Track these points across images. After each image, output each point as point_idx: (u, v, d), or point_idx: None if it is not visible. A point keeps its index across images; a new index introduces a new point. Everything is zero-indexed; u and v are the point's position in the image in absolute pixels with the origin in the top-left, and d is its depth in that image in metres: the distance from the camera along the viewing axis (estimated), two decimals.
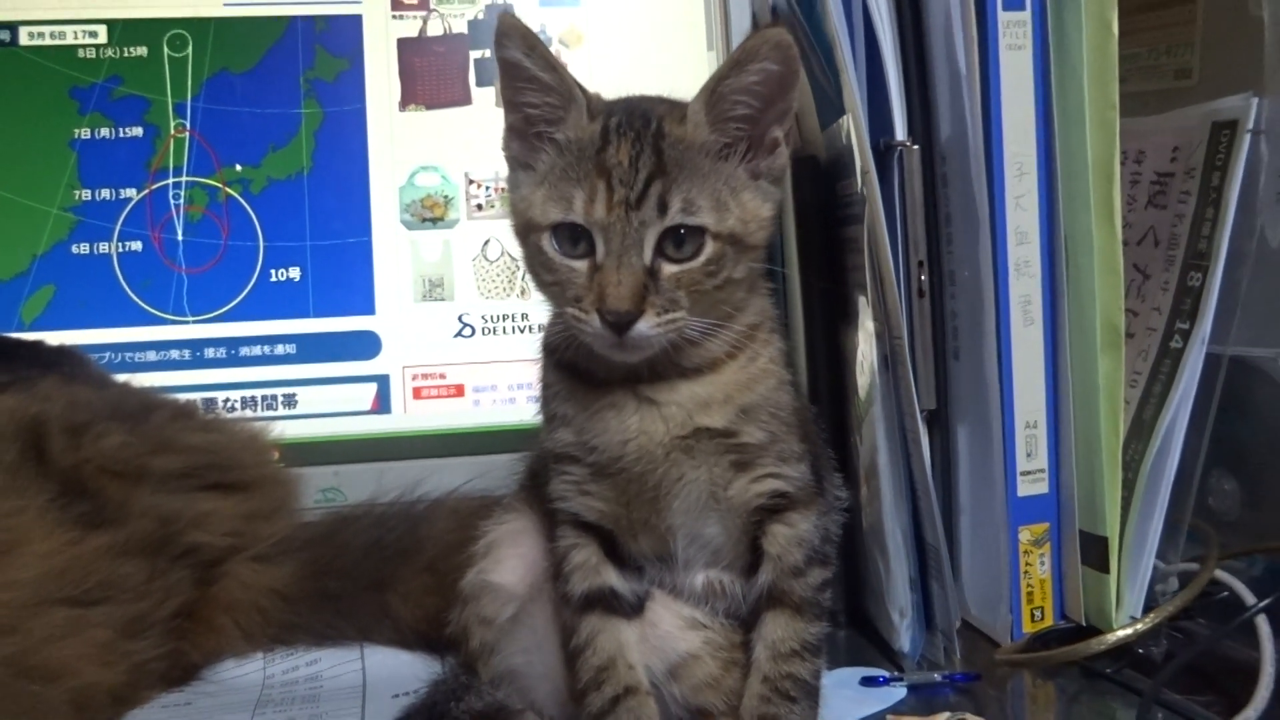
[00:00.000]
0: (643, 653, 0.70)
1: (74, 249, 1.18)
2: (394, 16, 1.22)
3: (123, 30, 1.19)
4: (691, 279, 0.64)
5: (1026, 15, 0.86)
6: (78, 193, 1.19)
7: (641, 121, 0.65)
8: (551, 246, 0.65)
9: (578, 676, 0.68)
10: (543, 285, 0.68)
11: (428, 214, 1.22)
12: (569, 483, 0.70)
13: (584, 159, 0.64)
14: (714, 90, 0.65)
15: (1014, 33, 0.86)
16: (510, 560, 0.74)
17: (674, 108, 0.66)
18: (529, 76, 0.66)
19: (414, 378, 1.22)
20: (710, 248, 0.64)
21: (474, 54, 1.22)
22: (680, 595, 0.71)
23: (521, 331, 1.21)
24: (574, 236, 0.64)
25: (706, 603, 0.71)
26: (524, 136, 0.68)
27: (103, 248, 1.19)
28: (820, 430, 0.74)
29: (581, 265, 0.64)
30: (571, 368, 0.69)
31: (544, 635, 0.72)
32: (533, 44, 0.65)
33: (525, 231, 0.67)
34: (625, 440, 0.67)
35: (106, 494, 0.87)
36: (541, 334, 0.73)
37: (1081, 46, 0.84)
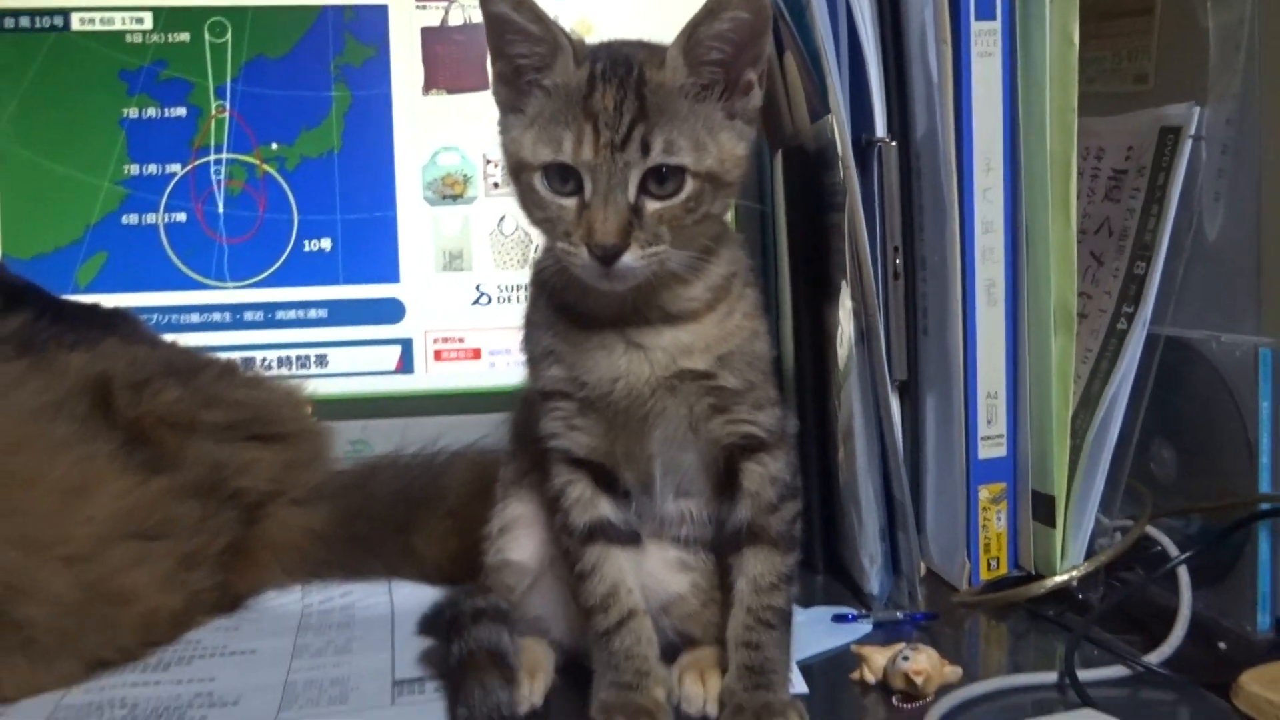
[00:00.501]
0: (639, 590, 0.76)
1: (124, 219, 1.23)
2: (418, 6, 1.26)
3: (167, 17, 1.23)
4: (673, 214, 0.67)
5: (996, 25, 0.91)
6: (127, 167, 1.23)
7: (624, 68, 0.67)
8: (542, 185, 0.68)
9: (582, 599, 0.74)
10: (535, 221, 0.71)
11: (448, 191, 1.26)
12: (559, 419, 0.74)
13: (571, 104, 0.67)
14: (690, 36, 0.67)
15: (984, 41, 0.91)
16: (522, 540, 0.80)
17: (653, 53, 0.69)
18: (518, 29, 0.68)
19: (435, 341, 1.26)
20: (690, 185, 0.67)
21: None
22: (658, 522, 0.77)
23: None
24: (563, 175, 0.67)
25: (680, 527, 0.77)
26: (512, 82, 0.70)
27: (150, 218, 1.23)
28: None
29: (571, 203, 0.67)
30: (567, 308, 0.73)
31: (556, 595, 0.79)
32: None
33: (517, 171, 0.70)
34: (615, 378, 0.71)
35: (165, 443, 0.93)
36: (532, 270, 0.77)
37: (1045, 55, 0.89)
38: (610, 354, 0.71)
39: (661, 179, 0.67)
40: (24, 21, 1.22)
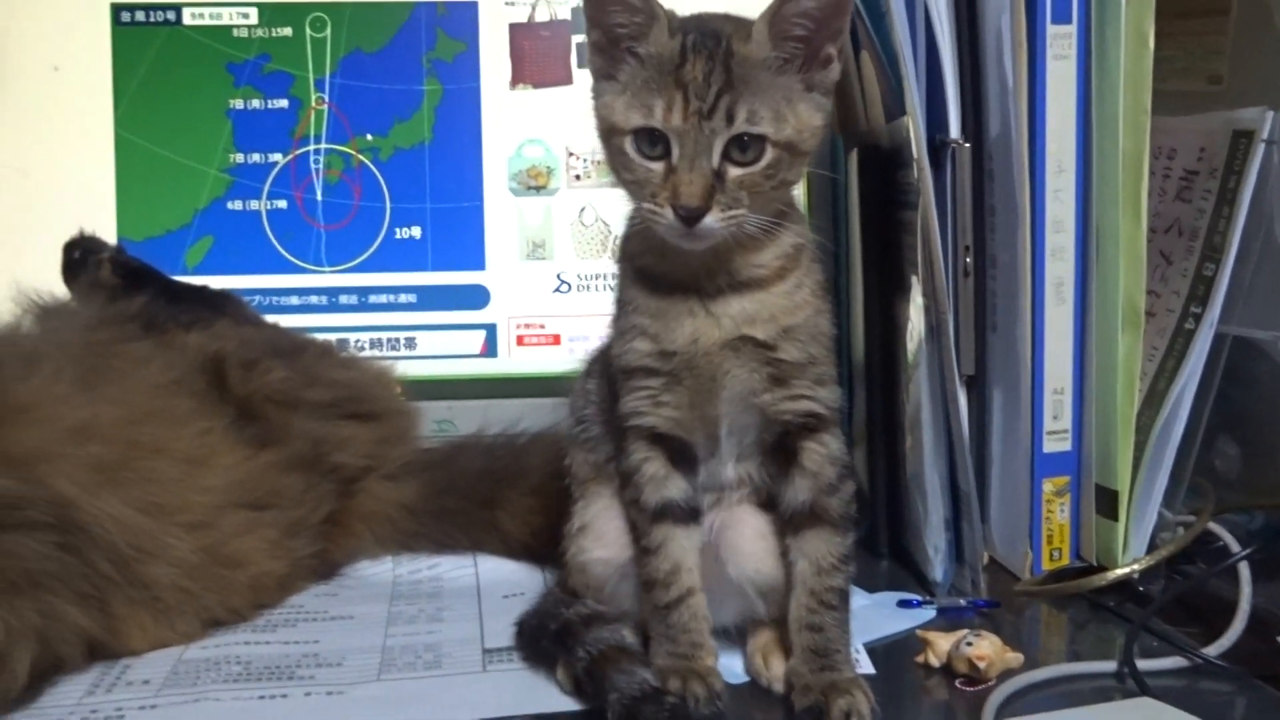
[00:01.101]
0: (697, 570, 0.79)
1: (229, 205, 1.27)
2: (506, 3, 1.28)
3: (271, 12, 1.27)
4: (753, 181, 0.71)
5: (1072, 28, 0.92)
6: (233, 156, 1.27)
7: (713, 40, 0.71)
8: (632, 148, 0.72)
9: (646, 572, 0.78)
10: (623, 182, 0.75)
11: (532, 183, 1.29)
12: (644, 397, 0.77)
13: (664, 72, 0.70)
14: (776, 13, 0.71)
15: (1060, 44, 0.92)
16: (606, 536, 0.82)
17: (740, 26, 0.72)
18: (619, 1, 0.72)
19: (517, 327, 1.29)
20: (770, 154, 0.71)
21: (575, 38, 1.28)
22: (719, 486, 0.80)
23: (610, 289, 1.28)
24: (652, 140, 0.71)
25: (739, 489, 0.80)
26: (606, 51, 0.74)
27: (253, 205, 1.27)
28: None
29: (658, 166, 0.71)
30: (649, 277, 0.76)
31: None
32: None
33: (608, 135, 0.74)
34: (695, 339, 0.75)
35: (272, 419, 0.99)
36: (618, 248, 0.81)
37: (1119, 57, 0.90)
38: (693, 318, 0.75)
39: (743, 146, 0.71)
40: (140, 15, 1.27)
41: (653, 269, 0.77)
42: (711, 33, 0.72)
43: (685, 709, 0.72)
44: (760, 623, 0.82)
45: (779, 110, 0.71)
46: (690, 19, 0.74)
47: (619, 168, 0.75)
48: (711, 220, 0.70)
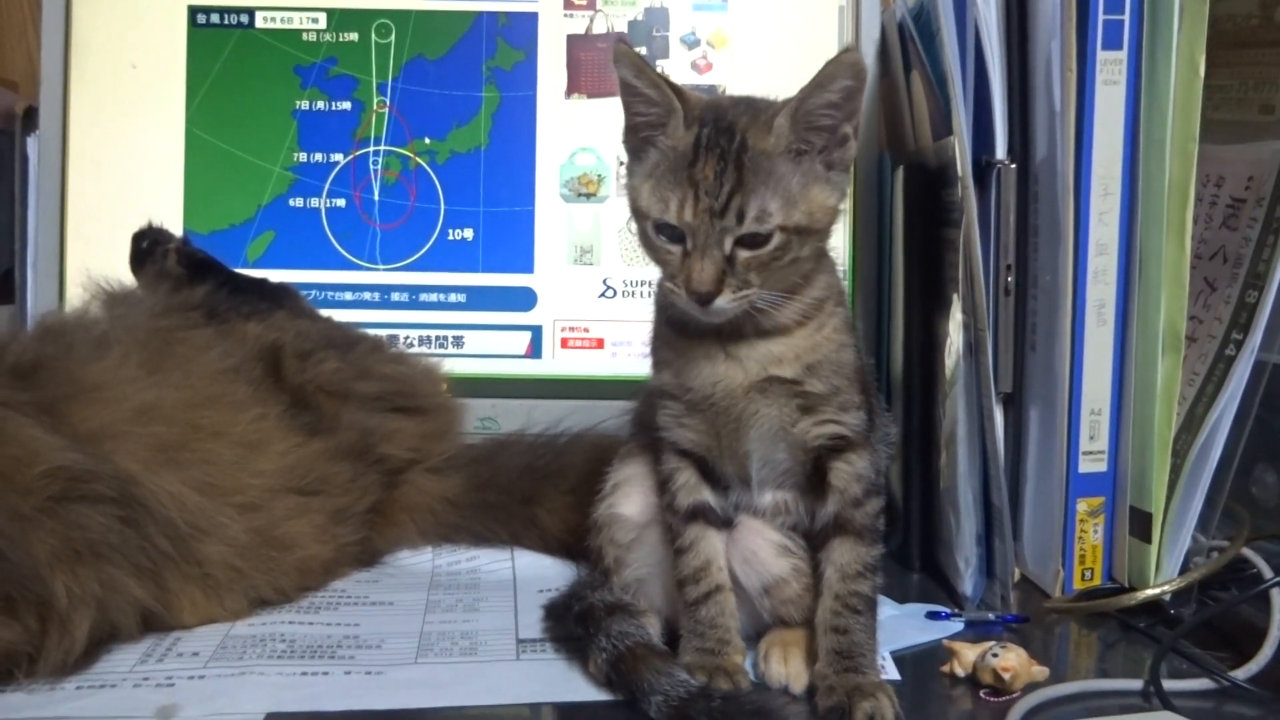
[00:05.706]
0: (744, 574, 0.83)
1: (291, 202, 1.31)
2: (565, 15, 1.32)
3: (339, 18, 1.31)
4: (761, 263, 0.74)
5: (1123, 54, 0.93)
6: (297, 155, 1.31)
7: (727, 136, 0.73)
8: (653, 233, 0.76)
9: (679, 570, 0.82)
10: (649, 256, 0.80)
11: (583, 190, 1.32)
12: (670, 416, 0.82)
13: (678, 168, 0.74)
14: (799, 108, 0.74)
15: (1110, 69, 0.93)
16: (632, 496, 0.87)
17: (757, 116, 0.75)
18: (637, 91, 0.76)
19: (563, 330, 1.32)
20: (777, 239, 0.74)
21: None
22: (754, 511, 0.83)
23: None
24: (670, 229, 0.75)
25: (774, 517, 0.83)
26: (636, 134, 0.78)
27: (314, 202, 1.31)
28: (875, 381, 0.86)
29: (676, 250, 0.75)
30: (677, 323, 0.80)
31: (658, 553, 0.85)
32: (640, 67, 0.76)
33: (635, 214, 0.79)
34: (715, 383, 0.78)
35: (324, 409, 1.02)
36: (655, 293, 0.85)
37: (1169, 84, 0.91)
38: (712, 363, 0.79)
39: (754, 234, 0.74)
40: (215, 18, 1.32)
41: (682, 319, 0.80)
42: (726, 127, 0.74)
43: (736, 704, 0.73)
44: (772, 627, 0.84)
45: (791, 196, 0.74)
46: (710, 106, 0.77)
47: (645, 245, 0.79)
48: (722, 301, 0.74)
